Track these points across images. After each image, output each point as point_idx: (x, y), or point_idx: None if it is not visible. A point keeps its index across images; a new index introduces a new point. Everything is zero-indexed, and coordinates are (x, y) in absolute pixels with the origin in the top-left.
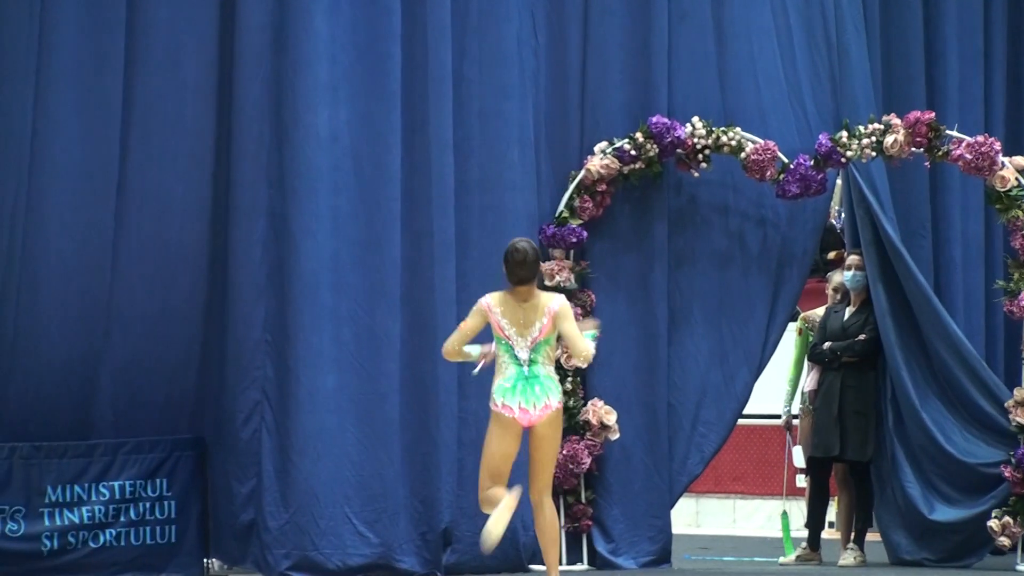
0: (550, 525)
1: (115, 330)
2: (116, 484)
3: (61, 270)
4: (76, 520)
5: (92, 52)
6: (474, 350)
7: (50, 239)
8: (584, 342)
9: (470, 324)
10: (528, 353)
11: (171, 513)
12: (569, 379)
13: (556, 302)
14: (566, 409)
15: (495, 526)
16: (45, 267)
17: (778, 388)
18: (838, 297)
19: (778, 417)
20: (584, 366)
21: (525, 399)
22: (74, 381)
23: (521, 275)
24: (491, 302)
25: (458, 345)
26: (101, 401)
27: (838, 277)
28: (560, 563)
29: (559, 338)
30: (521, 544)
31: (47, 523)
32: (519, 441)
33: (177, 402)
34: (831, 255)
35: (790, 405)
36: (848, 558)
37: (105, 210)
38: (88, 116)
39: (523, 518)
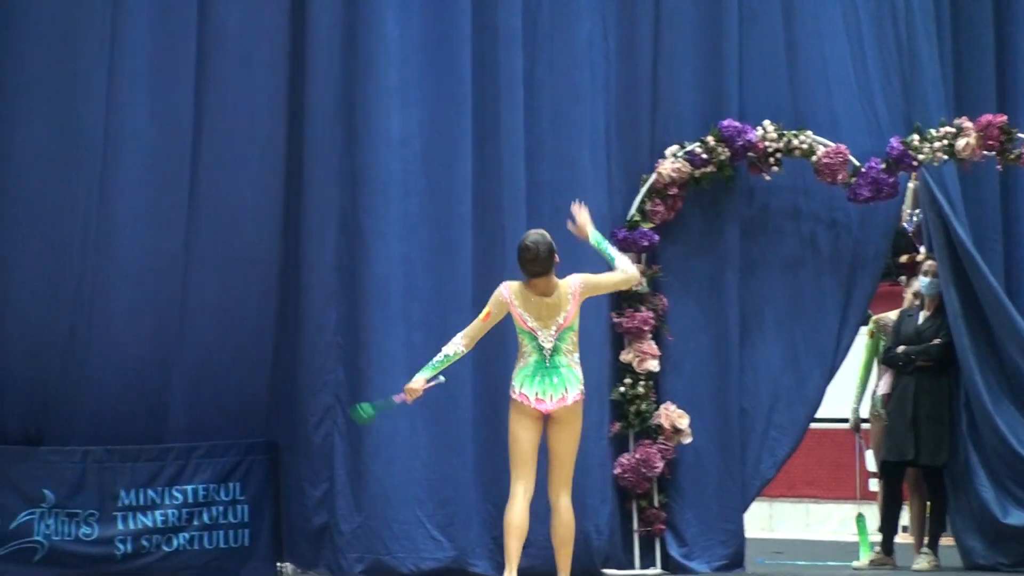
0: (564, 526)
1: (188, 334)
2: (189, 488)
3: (134, 275)
4: (149, 524)
5: (164, 57)
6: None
7: (122, 244)
8: (619, 272)
9: (491, 315)
10: (553, 342)
11: (244, 517)
12: (641, 383)
13: (575, 282)
14: (638, 413)
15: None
16: (118, 272)
17: (850, 391)
18: (916, 302)
19: (843, 421)
20: (637, 285)
21: (542, 389)
22: (147, 385)
23: (535, 270)
24: (511, 295)
25: (475, 339)
26: (174, 405)
27: (917, 283)
28: (633, 567)
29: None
30: (594, 548)
31: (120, 527)
32: (540, 427)
33: (250, 406)
34: (903, 258)
35: (858, 408)
36: (922, 562)
37: (177, 215)
38: (160, 121)
39: (596, 522)
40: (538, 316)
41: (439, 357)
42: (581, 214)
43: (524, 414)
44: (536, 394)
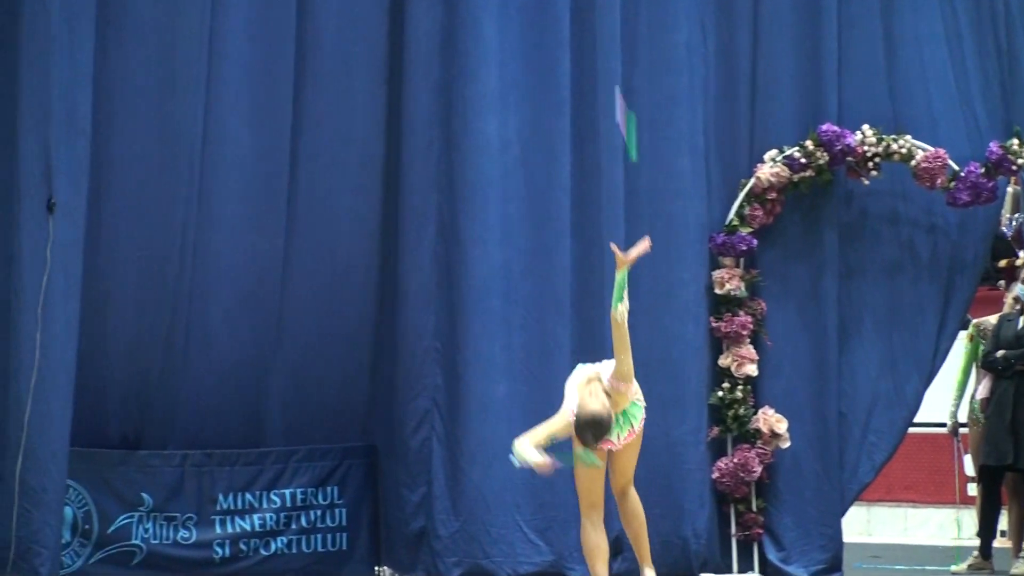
0: (635, 516)
1: (285, 338)
2: (287, 492)
3: (232, 279)
4: (247, 528)
5: (262, 61)
6: (537, 457)
7: (221, 249)
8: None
9: (555, 429)
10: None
11: (342, 521)
12: (740, 387)
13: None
14: (736, 418)
15: None
16: (216, 276)
17: (948, 396)
18: (1017, 306)
19: (942, 426)
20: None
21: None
22: (245, 389)
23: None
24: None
25: (535, 444)
26: (272, 409)
27: (1016, 288)
28: (731, 571)
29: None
30: (692, 552)
31: (219, 531)
32: (605, 460)
33: (348, 410)
34: (1002, 263)
35: (957, 412)
36: (1020, 567)
37: (275, 219)
38: (258, 126)
39: (694, 526)
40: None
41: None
42: (640, 248)
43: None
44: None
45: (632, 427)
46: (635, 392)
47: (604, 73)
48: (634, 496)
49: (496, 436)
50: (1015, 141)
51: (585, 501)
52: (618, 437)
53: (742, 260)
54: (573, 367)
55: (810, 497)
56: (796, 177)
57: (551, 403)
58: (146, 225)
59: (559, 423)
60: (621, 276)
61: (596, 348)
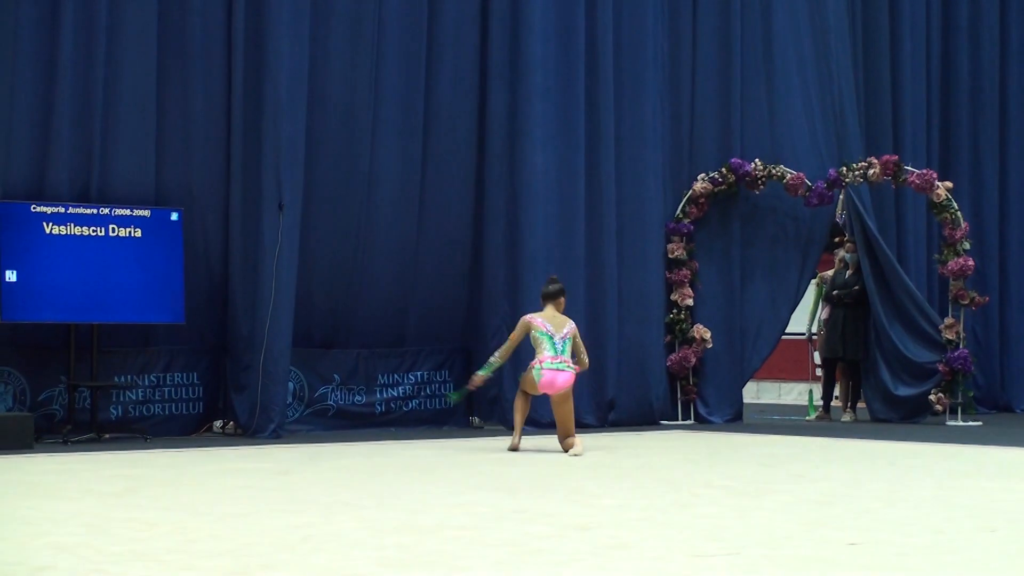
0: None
1: (419, 279)
2: (418, 373)
3: (385, 245)
4: (395, 394)
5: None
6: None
7: (380, 226)
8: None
9: (511, 341)
10: (561, 343)
11: (451, 390)
12: (683, 312)
13: (573, 324)
14: (681, 330)
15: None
16: (377, 244)
17: (804, 317)
18: (842, 265)
19: (800, 335)
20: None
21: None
22: (394, 311)
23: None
24: (531, 317)
25: (505, 355)
26: (409, 323)
27: (843, 253)
28: (677, 419)
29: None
30: (655, 409)
31: (378, 396)
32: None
33: (453, 325)
34: (836, 239)
35: (811, 327)
36: (846, 417)
37: (412, 203)
38: (401, 151)
39: (656, 393)
40: (554, 326)
41: (494, 363)
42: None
43: (532, 386)
44: (549, 378)
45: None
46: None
47: (605, 130)
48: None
49: None
50: (844, 168)
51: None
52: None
53: (684, 238)
54: (586, 303)
55: (723, 376)
56: (716, 189)
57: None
58: (336, 214)
59: (516, 333)
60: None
61: (597, 291)
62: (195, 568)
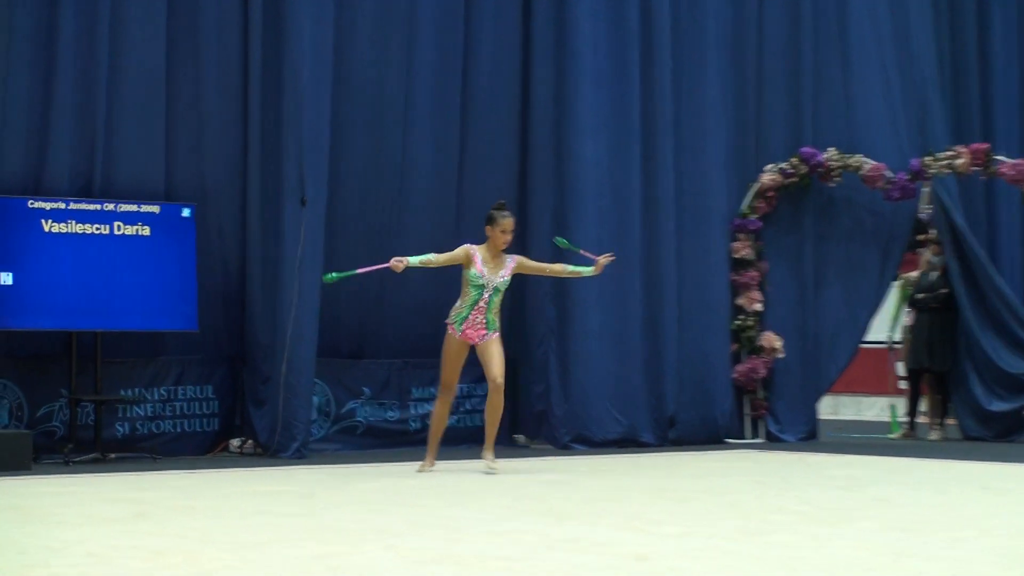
0: (491, 405)
1: (457, 289)
2: (457, 387)
3: (417, 247)
4: (431, 410)
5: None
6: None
7: (411, 226)
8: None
9: (448, 256)
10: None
11: None
12: (750, 318)
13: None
14: (748, 338)
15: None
16: (408, 245)
17: (886, 323)
18: (928, 266)
19: (881, 343)
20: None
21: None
22: (429, 321)
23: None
24: (474, 249)
25: (438, 264)
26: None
27: (928, 254)
28: (745, 437)
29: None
30: (720, 426)
31: (412, 411)
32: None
33: None
34: (920, 237)
35: (892, 334)
36: (934, 435)
37: (448, 211)
38: (441, 151)
39: (721, 409)
40: (489, 265)
41: (424, 258)
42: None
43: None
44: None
45: (496, 331)
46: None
47: (663, 117)
48: (499, 392)
49: (591, 350)
50: (928, 158)
51: (442, 381)
52: (483, 336)
53: (751, 235)
54: (643, 307)
55: (796, 389)
56: (786, 182)
57: (629, 329)
58: (364, 209)
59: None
60: (587, 270)
61: (656, 292)
62: None
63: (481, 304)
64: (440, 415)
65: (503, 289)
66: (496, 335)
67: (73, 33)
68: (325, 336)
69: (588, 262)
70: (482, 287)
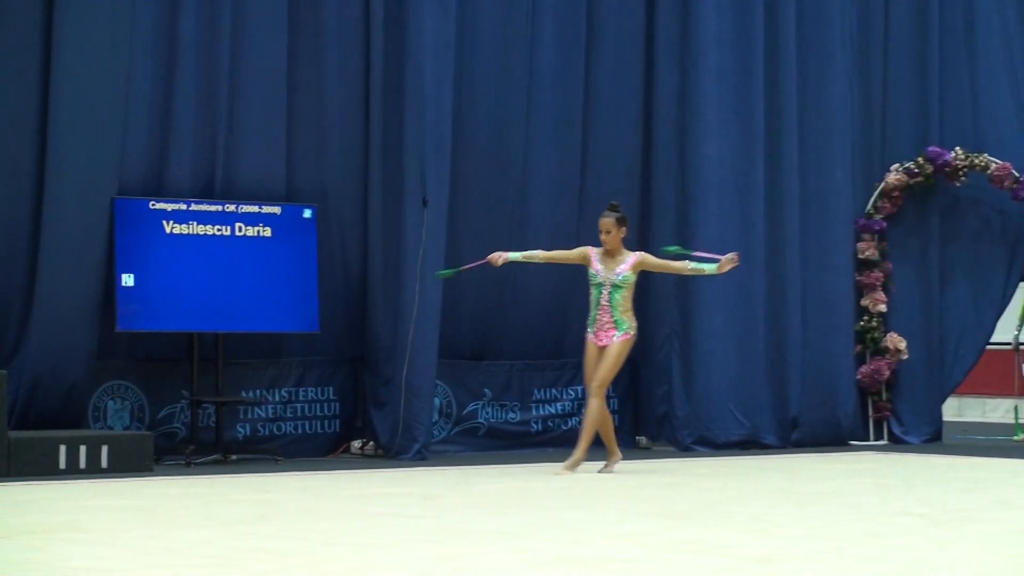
0: (590, 412)
1: (579, 289)
2: (578, 388)
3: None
4: (553, 411)
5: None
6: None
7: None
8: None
9: (562, 254)
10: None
11: (615, 406)
12: (874, 319)
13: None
14: (872, 339)
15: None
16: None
17: (1011, 323)
18: None
19: (1007, 344)
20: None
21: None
22: (552, 322)
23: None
24: (592, 250)
25: (553, 260)
26: (570, 333)
27: None
28: (869, 439)
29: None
30: (844, 428)
31: (534, 413)
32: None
33: None
34: None
35: (1018, 335)
36: None
37: (569, 210)
38: (558, 149)
39: (845, 411)
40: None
41: (528, 253)
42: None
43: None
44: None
45: (626, 332)
46: (631, 317)
47: (787, 115)
48: (598, 400)
49: (713, 351)
50: None
51: (589, 381)
52: (612, 337)
53: (876, 236)
54: (766, 308)
55: (921, 391)
56: (912, 182)
57: (752, 329)
58: (486, 210)
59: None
60: (710, 268)
61: (780, 293)
62: None
63: (603, 303)
64: (593, 411)
65: (624, 286)
66: (626, 336)
67: (194, 34)
68: (446, 338)
69: (711, 260)
70: (600, 285)
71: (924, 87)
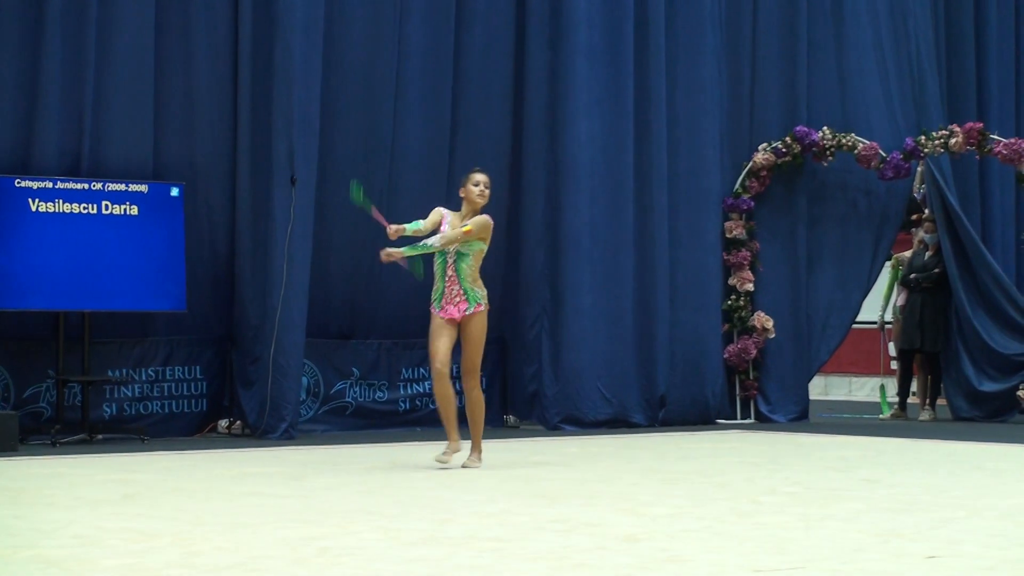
0: (472, 402)
1: None
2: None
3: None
4: (421, 390)
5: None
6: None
7: (402, 215)
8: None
9: (430, 222)
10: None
11: (484, 385)
12: (742, 298)
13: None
14: (740, 318)
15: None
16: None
17: (878, 303)
18: (922, 246)
19: (873, 323)
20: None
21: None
22: (420, 302)
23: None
24: (445, 212)
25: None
26: None
27: (922, 233)
28: (736, 418)
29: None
30: (711, 406)
31: (402, 392)
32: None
33: (490, 315)
34: (914, 216)
35: (884, 314)
36: (924, 416)
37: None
38: (430, 126)
39: (712, 389)
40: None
41: (414, 226)
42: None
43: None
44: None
45: (478, 304)
46: (481, 286)
47: (657, 94)
48: (477, 390)
49: (584, 332)
50: (922, 138)
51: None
52: (464, 311)
53: (744, 215)
54: (635, 287)
55: (787, 370)
56: (780, 161)
57: (621, 309)
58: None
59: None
60: (422, 247)
61: (649, 273)
62: None
63: (449, 273)
64: (475, 401)
65: (470, 253)
66: (479, 308)
67: (61, 11)
68: (314, 317)
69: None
70: (444, 254)
71: (793, 68)
